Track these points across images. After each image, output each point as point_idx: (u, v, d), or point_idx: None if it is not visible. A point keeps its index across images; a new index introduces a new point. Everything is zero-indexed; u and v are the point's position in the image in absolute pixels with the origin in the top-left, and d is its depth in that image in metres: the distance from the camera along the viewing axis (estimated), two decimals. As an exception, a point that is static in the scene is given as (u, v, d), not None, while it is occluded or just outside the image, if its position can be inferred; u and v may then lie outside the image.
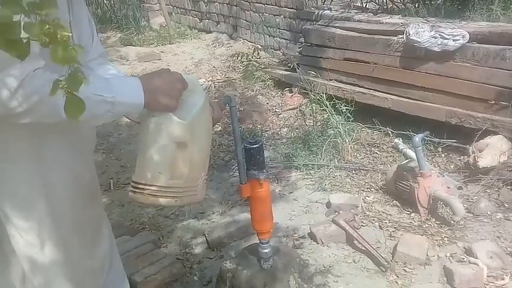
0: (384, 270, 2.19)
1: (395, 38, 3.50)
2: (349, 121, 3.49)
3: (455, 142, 3.13)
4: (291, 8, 5.17)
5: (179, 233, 2.63)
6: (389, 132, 3.46)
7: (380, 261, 2.21)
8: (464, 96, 3.15)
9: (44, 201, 1.25)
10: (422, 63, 3.35)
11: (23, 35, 0.70)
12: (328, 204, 2.74)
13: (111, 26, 7.72)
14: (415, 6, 4.28)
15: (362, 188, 2.95)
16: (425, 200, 2.54)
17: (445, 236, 2.41)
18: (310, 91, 3.82)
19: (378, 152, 3.38)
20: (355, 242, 2.36)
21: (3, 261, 1.31)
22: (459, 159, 3.10)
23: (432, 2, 4.25)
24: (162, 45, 6.62)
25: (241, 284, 1.75)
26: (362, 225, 2.53)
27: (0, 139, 1.18)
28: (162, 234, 2.62)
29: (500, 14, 3.67)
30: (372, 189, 2.93)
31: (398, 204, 2.73)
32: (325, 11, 4.50)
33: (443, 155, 3.18)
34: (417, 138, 2.58)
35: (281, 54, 5.12)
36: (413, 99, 3.43)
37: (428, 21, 3.53)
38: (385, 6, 4.51)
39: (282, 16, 5.33)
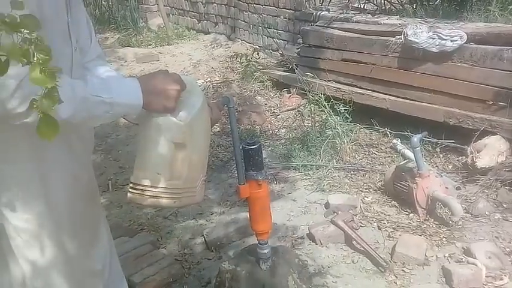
0: (382, 270, 2.20)
1: (393, 38, 3.51)
2: (347, 122, 3.50)
3: (453, 142, 3.13)
4: (289, 9, 5.17)
5: (178, 234, 2.63)
6: (388, 132, 3.47)
7: (379, 262, 2.22)
8: (462, 96, 3.16)
9: (43, 202, 1.24)
10: (420, 64, 3.36)
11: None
12: (327, 205, 2.74)
13: (109, 27, 7.72)
14: (413, 7, 4.29)
15: (360, 189, 2.95)
16: (424, 201, 2.55)
17: (443, 237, 2.41)
18: (309, 92, 3.82)
19: (376, 152, 3.38)
20: (354, 242, 2.36)
21: (2, 262, 1.31)
22: (457, 160, 3.10)
23: (430, 3, 4.26)
24: (160, 46, 6.62)
25: (240, 284, 1.75)
26: (361, 226, 2.53)
27: (-1, 140, 1.18)
28: (160, 235, 2.62)
29: (497, 14, 3.68)
30: (371, 190, 2.93)
31: (396, 204, 2.73)
32: (323, 12, 4.50)
33: (441, 155, 3.19)
34: (415, 138, 2.59)
35: (279, 55, 5.13)
36: (411, 99, 3.44)
37: (426, 22, 3.54)
38: (383, 7, 4.52)
39: (280, 17, 5.33)
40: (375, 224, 2.57)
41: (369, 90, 3.72)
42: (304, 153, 3.36)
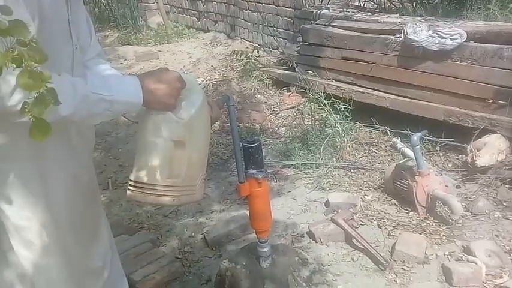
0: (382, 268, 2.20)
1: (393, 37, 3.50)
2: (347, 120, 3.50)
3: (453, 141, 3.13)
4: (289, 7, 5.17)
5: (178, 232, 2.63)
6: (388, 131, 3.47)
7: (379, 260, 2.22)
8: (462, 95, 3.16)
9: (43, 201, 1.24)
10: (420, 63, 3.36)
11: None
12: (327, 203, 2.74)
13: (109, 25, 7.72)
14: (412, 6, 4.29)
15: (360, 187, 2.95)
16: (424, 199, 2.55)
17: (443, 235, 2.42)
18: (309, 90, 3.82)
19: (376, 151, 3.38)
20: (354, 240, 2.36)
21: (3, 261, 1.31)
22: (457, 158, 3.10)
23: (430, 1, 4.26)
24: (160, 44, 6.61)
25: (240, 282, 1.75)
26: (360, 224, 2.53)
27: (-1, 138, 1.18)
28: (160, 233, 2.62)
29: (497, 13, 3.68)
30: (371, 188, 2.93)
31: (396, 203, 2.73)
32: (323, 11, 4.50)
33: (441, 153, 3.19)
34: (415, 137, 2.59)
35: (279, 53, 5.12)
36: (411, 98, 3.43)
37: (426, 20, 3.53)
38: (383, 6, 4.52)
39: (280, 15, 5.32)
40: (375, 222, 2.57)
41: (368, 88, 3.72)
42: (304, 152, 3.36)
